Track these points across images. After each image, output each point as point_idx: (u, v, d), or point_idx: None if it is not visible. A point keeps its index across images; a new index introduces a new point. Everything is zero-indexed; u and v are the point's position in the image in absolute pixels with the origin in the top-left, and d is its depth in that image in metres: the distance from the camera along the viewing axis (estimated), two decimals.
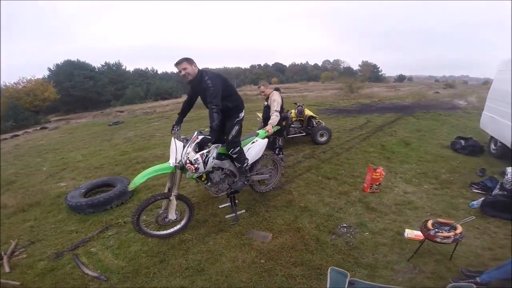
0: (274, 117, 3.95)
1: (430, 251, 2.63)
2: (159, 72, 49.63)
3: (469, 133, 6.70)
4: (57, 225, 3.49)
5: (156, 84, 36.51)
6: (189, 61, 2.79)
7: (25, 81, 25.68)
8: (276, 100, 4.19)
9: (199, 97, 3.10)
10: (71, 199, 3.73)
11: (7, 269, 2.66)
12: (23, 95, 23.80)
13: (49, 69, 33.05)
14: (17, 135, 13.84)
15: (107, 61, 38.78)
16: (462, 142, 5.78)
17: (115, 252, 2.85)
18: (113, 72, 37.48)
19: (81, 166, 6.03)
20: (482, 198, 3.43)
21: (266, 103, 4.57)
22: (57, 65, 33.11)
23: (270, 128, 3.74)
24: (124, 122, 12.86)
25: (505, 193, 3.34)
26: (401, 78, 60.30)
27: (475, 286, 1.25)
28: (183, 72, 2.81)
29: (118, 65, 39.51)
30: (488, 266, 2.35)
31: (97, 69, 36.43)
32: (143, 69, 46.27)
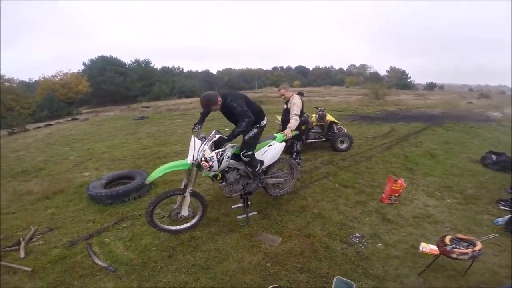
0: (293, 121, 3.90)
1: (444, 266, 2.50)
2: (184, 70, 51.01)
3: (502, 147, 6.24)
4: (76, 214, 3.67)
5: (181, 82, 37.56)
6: (213, 102, 2.96)
7: (61, 74, 27.46)
8: (296, 104, 4.14)
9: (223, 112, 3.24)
10: (92, 189, 3.91)
11: (22, 255, 2.81)
12: (59, 87, 25.41)
13: (84, 64, 35.09)
14: (50, 124, 14.82)
15: (137, 58, 40.41)
16: (494, 157, 5.39)
17: (126, 244, 2.95)
18: (142, 69, 38.87)
19: (105, 157, 6.34)
20: (509, 216, 3.22)
21: (285, 106, 4.52)
22: (92, 60, 35.07)
23: (289, 132, 3.66)
24: (149, 117, 13.34)
25: None
26: (431, 86, 57.26)
27: None
28: (215, 111, 3.11)
29: (147, 62, 41.00)
30: (502, 284, 2.24)
31: (127, 66, 38.03)
32: (170, 67, 47.67)
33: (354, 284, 1.44)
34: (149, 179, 2.83)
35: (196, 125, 3.20)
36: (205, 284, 2.36)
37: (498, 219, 3.30)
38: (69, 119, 17.40)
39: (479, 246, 2.26)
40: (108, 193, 3.80)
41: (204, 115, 3.33)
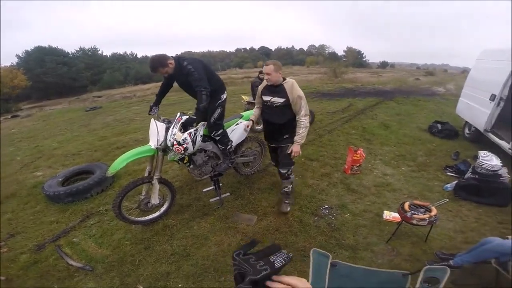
0: (304, 130, 2.70)
1: (407, 233, 2.74)
2: (138, 56, 47.74)
3: (446, 118, 6.95)
4: (36, 216, 3.35)
5: (136, 68, 35.25)
6: (162, 63, 2.67)
7: None
8: (303, 99, 2.69)
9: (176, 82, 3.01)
10: (48, 188, 3.57)
11: None
12: None
13: (18, 56, 31.37)
14: None
15: (82, 46, 37.04)
16: (439, 126, 6.03)
17: (98, 241, 2.79)
18: (89, 57, 36.11)
19: (57, 153, 5.79)
20: (456, 181, 3.58)
21: (269, 97, 2.81)
22: (27, 51, 31.36)
23: (298, 148, 2.73)
24: (102, 107, 12.41)
25: (477, 176, 3.48)
26: (384, 65, 61.18)
27: (449, 269, 1.31)
28: (164, 74, 2.79)
29: (94, 50, 37.98)
30: (460, 249, 2.47)
31: (71, 55, 34.96)
32: (121, 53, 44.33)
33: (331, 255, 1.54)
34: (111, 171, 2.58)
35: (153, 108, 3.01)
36: (187, 271, 2.35)
37: (447, 185, 3.66)
38: (9, 116, 15.42)
39: (434, 211, 2.47)
40: (67, 190, 3.49)
41: (160, 96, 3.13)
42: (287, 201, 3.14)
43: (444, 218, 2.98)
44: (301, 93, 2.67)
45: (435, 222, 2.46)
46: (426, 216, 2.43)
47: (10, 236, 3.00)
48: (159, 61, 2.66)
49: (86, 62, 34.68)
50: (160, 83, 3.25)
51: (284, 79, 2.73)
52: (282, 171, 2.98)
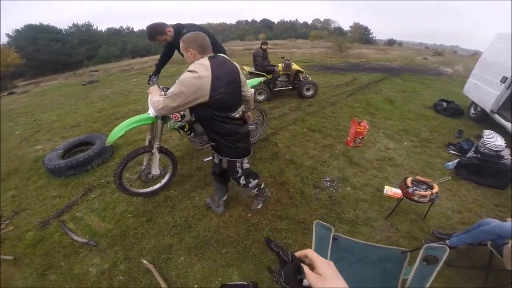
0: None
1: (406, 210, 2.74)
2: (135, 30, 46.17)
3: (452, 97, 6.80)
4: (39, 192, 3.33)
5: (133, 42, 34.31)
6: (159, 31, 2.57)
7: None
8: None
9: (177, 50, 2.86)
10: (49, 162, 3.52)
11: None
12: None
13: (8, 35, 30.56)
14: None
15: (75, 22, 36.02)
16: (444, 104, 5.93)
17: (101, 215, 2.80)
18: (83, 33, 35.16)
19: (56, 126, 5.73)
20: (457, 160, 3.54)
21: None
22: (17, 30, 30.52)
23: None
24: (100, 81, 12.14)
25: (479, 156, 3.43)
26: (391, 42, 59.16)
27: (448, 248, 1.30)
28: (163, 42, 2.70)
29: (88, 26, 37.01)
30: (457, 229, 2.48)
31: (64, 31, 34.05)
32: (117, 28, 42.82)
33: (333, 228, 1.52)
34: (110, 140, 2.51)
35: (152, 77, 2.94)
36: (190, 243, 2.36)
37: (448, 163, 3.62)
38: (5, 94, 15.16)
39: (436, 188, 2.44)
40: (68, 163, 3.44)
41: (159, 65, 3.06)
42: (259, 198, 2.74)
43: (443, 196, 2.98)
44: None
45: (436, 200, 2.44)
46: (428, 193, 2.41)
47: (15, 214, 2.99)
48: (156, 29, 2.58)
49: (81, 38, 33.77)
50: (157, 56, 3.15)
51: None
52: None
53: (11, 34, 30.50)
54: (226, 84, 1.79)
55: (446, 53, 32.23)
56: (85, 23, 37.14)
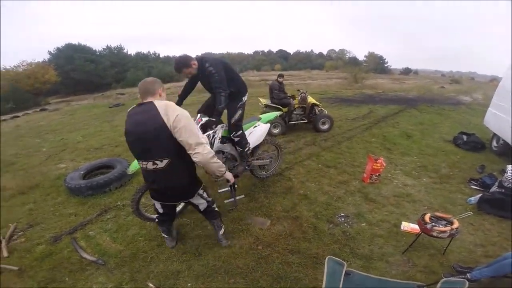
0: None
1: (425, 245, 2.63)
2: (161, 56, 49.09)
3: (472, 129, 6.64)
4: (56, 208, 3.49)
5: (158, 68, 36.29)
6: (186, 64, 2.74)
7: (25, 64, 25.76)
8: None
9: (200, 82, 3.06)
10: (70, 181, 3.72)
11: (5, 254, 2.64)
12: (23, 77, 23.84)
13: (50, 53, 32.90)
14: (17, 116, 13.85)
15: (109, 45, 38.53)
16: (464, 137, 5.74)
17: (113, 236, 2.86)
18: (115, 56, 37.26)
19: (80, 147, 6.04)
20: (480, 195, 3.41)
21: None
22: (58, 48, 32.96)
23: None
24: (125, 104, 12.82)
25: (503, 190, 3.31)
26: (407, 71, 59.42)
27: (467, 282, 1.24)
28: (188, 75, 2.85)
29: (119, 49, 39.28)
30: (480, 262, 2.36)
31: (98, 53, 36.21)
32: (145, 52, 45.66)
33: (346, 264, 1.49)
34: (132, 170, 2.65)
35: None
36: (198, 271, 2.35)
37: (470, 198, 3.48)
38: (38, 110, 16.31)
39: (456, 224, 2.36)
40: (88, 184, 3.62)
41: (182, 97, 3.20)
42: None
43: (465, 231, 2.85)
44: None
45: (456, 234, 2.35)
46: (447, 228, 2.33)
47: (29, 227, 3.12)
48: (183, 62, 2.74)
49: (112, 60, 35.76)
50: (179, 83, 3.32)
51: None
52: None
53: (52, 51, 32.73)
54: (130, 133, 1.92)
55: (463, 80, 31.81)
56: (117, 45, 39.42)
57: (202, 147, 1.86)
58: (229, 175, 2.25)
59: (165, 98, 2.01)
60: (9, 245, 2.79)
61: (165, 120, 1.79)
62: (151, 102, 1.88)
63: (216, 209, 2.56)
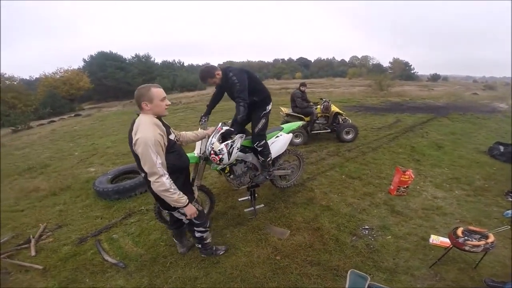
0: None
1: (455, 259, 2.48)
2: (185, 64, 50.73)
3: (509, 139, 6.15)
4: (84, 210, 3.67)
5: (183, 76, 37.50)
6: (210, 74, 2.81)
7: (62, 71, 27.50)
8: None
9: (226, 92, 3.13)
10: (99, 184, 3.91)
11: (33, 253, 2.80)
12: (60, 84, 25.55)
13: (84, 60, 35.07)
14: (54, 121, 14.88)
15: (137, 53, 40.24)
16: (501, 148, 5.33)
17: (135, 240, 2.94)
18: (143, 64, 38.76)
19: (110, 152, 6.33)
20: None
21: None
22: (91, 56, 35.07)
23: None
24: None
25: None
26: (435, 78, 56.67)
27: None
28: (213, 84, 2.92)
29: (147, 57, 40.86)
30: None
31: (127, 61, 37.93)
32: (170, 61, 47.41)
33: (369, 277, 1.41)
34: None
35: (203, 117, 3.14)
36: (215, 278, 2.35)
37: (508, 211, 3.26)
38: (72, 115, 17.46)
39: (491, 238, 2.22)
40: (115, 188, 3.79)
41: (210, 107, 3.28)
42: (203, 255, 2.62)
43: (500, 245, 2.64)
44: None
45: (491, 249, 2.19)
46: (482, 242, 2.18)
47: (57, 227, 3.30)
48: (207, 72, 2.82)
49: (140, 68, 37.19)
50: (203, 91, 3.39)
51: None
52: None
53: (86, 59, 34.84)
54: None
55: (498, 86, 29.73)
56: (145, 54, 40.79)
57: (155, 177, 1.79)
58: (189, 210, 2.03)
59: (153, 109, 1.88)
60: (38, 245, 2.96)
61: (133, 139, 1.79)
62: (138, 116, 1.91)
63: (197, 228, 2.39)
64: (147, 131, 1.76)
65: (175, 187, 1.89)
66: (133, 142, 1.78)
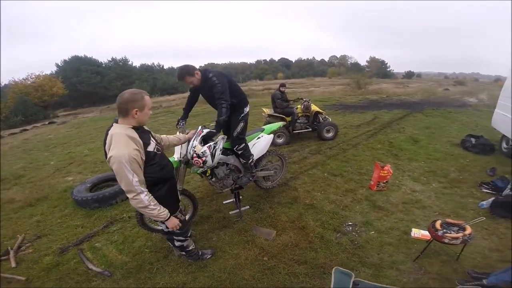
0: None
1: (437, 251, 2.58)
2: (165, 67, 49.77)
3: (480, 131, 6.53)
4: (63, 220, 3.53)
5: (163, 79, 36.76)
6: (190, 72, 2.76)
7: (33, 76, 26.01)
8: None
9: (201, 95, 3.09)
10: (77, 193, 3.76)
11: (13, 264, 2.68)
12: (31, 90, 24.16)
13: (57, 65, 33.67)
14: (26, 130, 14.12)
15: (114, 57, 39.05)
16: (473, 140, 5.64)
17: (119, 247, 2.86)
18: (120, 68, 37.67)
19: (87, 160, 6.09)
20: (492, 198, 3.34)
21: None
22: (65, 61, 33.67)
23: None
24: None
25: None
26: (409, 75, 59.32)
27: None
28: (190, 84, 2.87)
29: (124, 61, 39.77)
30: (496, 268, 2.30)
31: (104, 65, 36.77)
32: (149, 64, 46.36)
33: (353, 274, 1.45)
34: None
35: (180, 121, 3.10)
36: (203, 283, 2.32)
37: (482, 202, 3.40)
38: (46, 123, 16.62)
39: (469, 230, 2.32)
40: (94, 196, 3.66)
41: (187, 110, 3.23)
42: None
43: (479, 236, 2.78)
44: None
45: (469, 240, 2.30)
46: (460, 234, 2.28)
47: (36, 238, 3.16)
48: (187, 70, 2.77)
49: (118, 72, 36.08)
50: (184, 94, 3.34)
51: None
52: None
53: (59, 64, 33.29)
54: None
55: (467, 82, 31.43)
56: (122, 58, 39.65)
57: (132, 195, 1.70)
58: (170, 224, 1.97)
59: (140, 118, 1.78)
60: (17, 256, 2.83)
61: (108, 155, 1.68)
62: (113, 126, 1.77)
63: (177, 237, 2.36)
64: (121, 148, 1.63)
65: (155, 202, 1.82)
66: (107, 158, 1.67)
